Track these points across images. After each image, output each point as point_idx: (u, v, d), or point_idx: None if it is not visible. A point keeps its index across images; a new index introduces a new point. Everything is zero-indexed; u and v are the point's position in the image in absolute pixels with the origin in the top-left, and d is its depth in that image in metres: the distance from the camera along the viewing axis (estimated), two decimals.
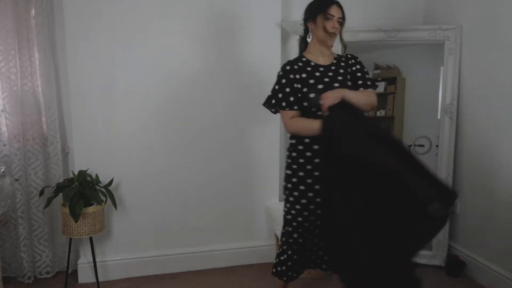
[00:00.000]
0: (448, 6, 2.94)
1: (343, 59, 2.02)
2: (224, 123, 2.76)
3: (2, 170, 2.26)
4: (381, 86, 3.24)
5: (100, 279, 2.58)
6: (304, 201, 1.93)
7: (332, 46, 2.01)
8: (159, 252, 2.77)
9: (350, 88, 1.93)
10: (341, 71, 1.96)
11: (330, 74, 1.94)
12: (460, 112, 2.82)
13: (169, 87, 2.65)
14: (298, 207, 1.95)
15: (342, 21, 1.94)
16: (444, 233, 2.86)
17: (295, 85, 1.91)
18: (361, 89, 1.98)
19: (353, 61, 2.03)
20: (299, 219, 1.96)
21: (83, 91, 2.53)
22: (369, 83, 2.01)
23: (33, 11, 2.43)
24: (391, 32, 2.89)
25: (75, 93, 2.53)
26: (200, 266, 2.83)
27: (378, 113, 3.28)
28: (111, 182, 2.53)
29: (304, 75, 1.92)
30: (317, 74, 1.93)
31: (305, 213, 1.95)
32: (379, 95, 3.23)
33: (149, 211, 2.73)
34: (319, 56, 1.98)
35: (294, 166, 1.95)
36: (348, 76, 1.97)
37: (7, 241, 2.60)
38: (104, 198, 2.47)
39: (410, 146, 3.16)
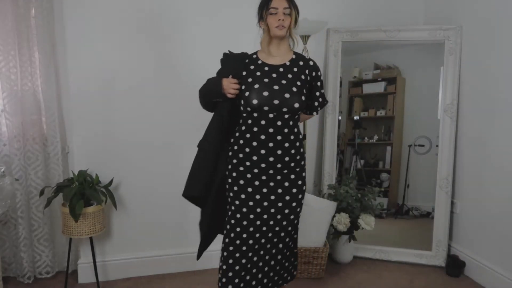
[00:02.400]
0: (448, 6, 2.94)
1: (301, 63, 1.88)
2: None
3: (2, 170, 2.26)
4: (381, 86, 3.24)
5: (100, 279, 2.58)
6: (243, 196, 1.86)
7: (283, 40, 1.85)
8: (159, 252, 2.77)
9: (296, 93, 1.80)
10: (290, 75, 1.83)
11: (274, 75, 1.82)
12: (460, 112, 2.82)
13: (169, 87, 2.65)
14: (244, 210, 1.85)
15: (289, 11, 1.78)
16: (444, 233, 2.86)
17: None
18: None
19: (314, 73, 1.90)
20: (244, 222, 1.85)
21: (83, 91, 2.53)
22: (318, 107, 1.98)
23: (33, 11, 2.42)
24: (391, 32, 2.89)
25: (75, 93, 2.53)
26: (200, 266, 2.82)
27: (378, 113, 3.28)
28: (111, 182, 2.53)
29: (244, 73, 1.85)
30: (258, 73, 1.83)
31: (251, 216, 1.83)
32: (379, 95, 3.26)
33: (149, 211, 2.73)
34: (268, 56, 1.87)
35: (234, 161, 1.88)
36: (299, 83, 1.83)
37: (7, 241, 2.60)
38: (104, 198, 2.47)
39: (410, 146, 3.17)
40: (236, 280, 1.89)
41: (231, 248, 1.89)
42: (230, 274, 1.90)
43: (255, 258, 1.91)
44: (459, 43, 2.79)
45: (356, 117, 3.29)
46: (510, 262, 2.43)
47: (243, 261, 1.89)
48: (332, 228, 2.84)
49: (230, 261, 1.89)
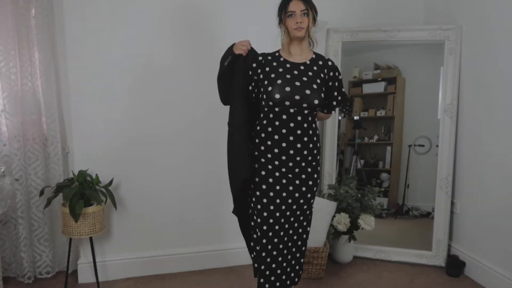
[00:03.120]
0: (448, 6, 2.94)
1: (321, 62, 1.97)
2: (225, 123, 2.75)
3: (2, 170, 2.26)
4: (381, 86, 3.24)
5: (100, 279, 2.58)
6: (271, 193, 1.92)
7: (303, 40, 1.94)
8: (159, 252, 2.77)
9: (316, 90, 1.88)
10: (310, 73, 1.92)
11: (295, 72, 1.91)
12: (460, 112, 2.82)
13: (169, 87, 2.65)
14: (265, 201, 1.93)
15: (307, 12, 1.87)
16: (444, 233, 2.86)
17: (255, 77, 1.96)
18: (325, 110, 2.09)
19: (332, 73, 1.98)
20: (265, 213, 1.92)
21: (83, 91, 2.53)
22: (337, 106, 2.06)
23: (33, 11, 2.42)
24: (391, 32, 2.89)
25: (75, 93, 2.54)
26: (200, 266, 2.83)
27: (378, 113, 3.28)
28: (111, 182, 2.53)
29: (267, 69, 1.93)
30: (280, 69, 1.91)
31: (277, 214, 1.91)
32: (379, 95, 3.26)
33: (149, 211, 2.73)
34: (289, 55, 1.96)
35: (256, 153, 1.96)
36: (318, 80, 1.92)
37: (7, 241, 2.60)
38: (104, 198, 2.47)
39: (410, 146, 3.17)
40: (267, 272, 1.97)
41: (255, 237, 1.98)
42: (266, 269, 1.97)
43: (274, 252, 1.96)
44: (459, 43, 2.79)
45: (356, 117, 3.29)
46: (510, 262, 2.43)
47: (263, 254, 1.95)
48: (332, 228, 2.84)
49: (260, 253, 1.97)
